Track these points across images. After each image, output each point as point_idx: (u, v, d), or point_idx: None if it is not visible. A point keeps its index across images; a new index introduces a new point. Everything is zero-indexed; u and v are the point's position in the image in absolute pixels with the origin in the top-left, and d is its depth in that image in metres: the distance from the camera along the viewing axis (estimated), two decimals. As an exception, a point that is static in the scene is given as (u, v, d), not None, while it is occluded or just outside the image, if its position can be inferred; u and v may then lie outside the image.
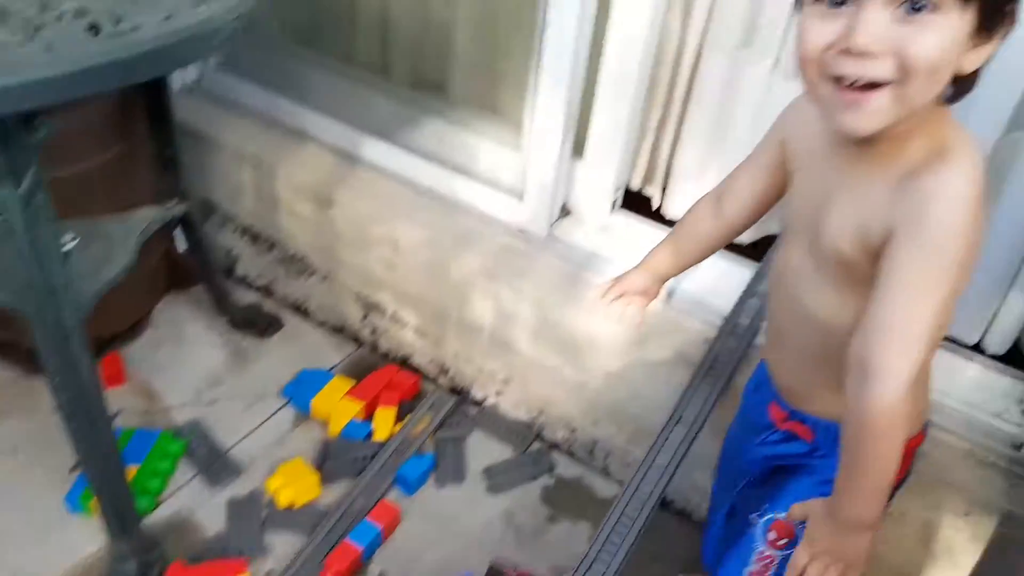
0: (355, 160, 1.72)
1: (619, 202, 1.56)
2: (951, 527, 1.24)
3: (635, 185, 1.61)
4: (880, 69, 0.66)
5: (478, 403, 1.69)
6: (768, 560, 0.96)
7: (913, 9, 0.64)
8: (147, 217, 1.44)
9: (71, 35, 0.92)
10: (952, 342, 1.33)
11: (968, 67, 0.69)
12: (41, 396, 1.56)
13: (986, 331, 1.34)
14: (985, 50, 0.69)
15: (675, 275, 1.11)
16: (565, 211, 1.57)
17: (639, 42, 1.34)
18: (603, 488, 1.54)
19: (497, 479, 1.52)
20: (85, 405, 1.15)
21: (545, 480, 1.55)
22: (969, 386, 1.29)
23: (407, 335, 1.73)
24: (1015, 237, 1.24)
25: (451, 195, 1.63)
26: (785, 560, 0.92)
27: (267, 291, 1.92)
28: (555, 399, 1.57)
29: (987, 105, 1.14)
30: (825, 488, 0.84)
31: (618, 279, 1.09)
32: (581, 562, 1.07)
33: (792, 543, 0.93)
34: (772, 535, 0.95)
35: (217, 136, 1.77)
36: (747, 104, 1.40)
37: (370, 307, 1.75)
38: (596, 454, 1.57)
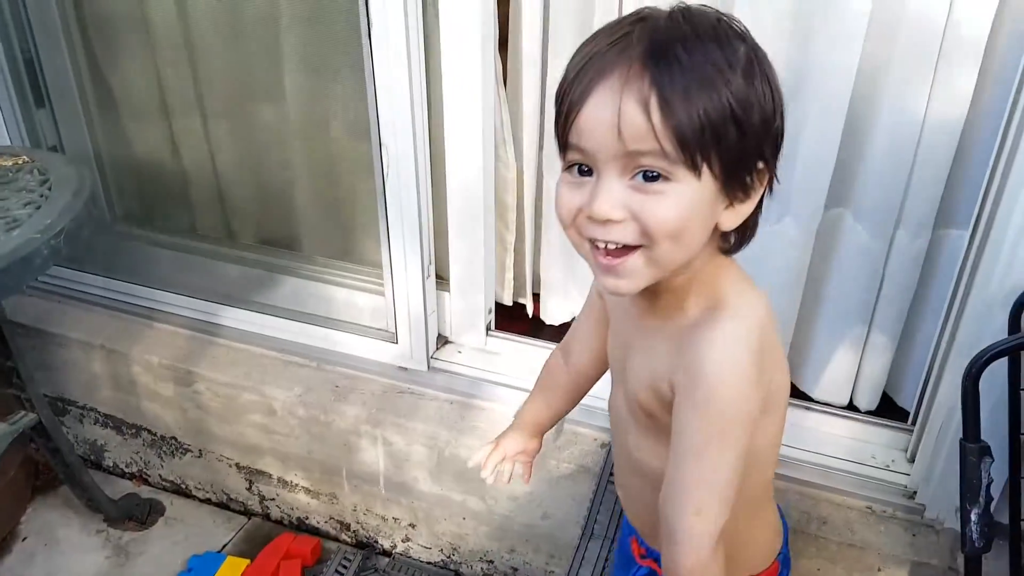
0: (213, 331, 1.66)
1: (493, 323, 1.56)
2: (869, 586, 1.27)
3: (507, 300, 1.63)
4: (622, 234, 0.67)
5: (387, 553, 1.62)
6: None
7: (646, 179, 0.65)
8: (-5, 433, 1.33)
9: None
10: (827, 405, 1.39)
11: (728, 224, 0.70)
12: None
13: (853, 390, 1.41)
14: (745, 207, 0.70)
15: (551, 426, 1.06)
16: (443, 340, 1.57)
17: (478, 175, 1.37)
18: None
19: (420, 634, 1.44)
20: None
21: (471, 622, 1.49)
22: (852, 445, 1.34)
23: (299, 497, 1.65)
24: (851, 302, 1.33)
25: (321, 348, 1.59)
26: None
27: (142, 478, 1.80)
28: (466, 534, 1.53)
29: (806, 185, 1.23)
30: None
31: (496, 443, 1.04)
32: None
33: None
34: None
35: (62, 331, 1.69)
36: None
37: (254, 475, 1.66)
38: (517, 582, 1.53)
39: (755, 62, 0.66)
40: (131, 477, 1.81)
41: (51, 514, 1.69)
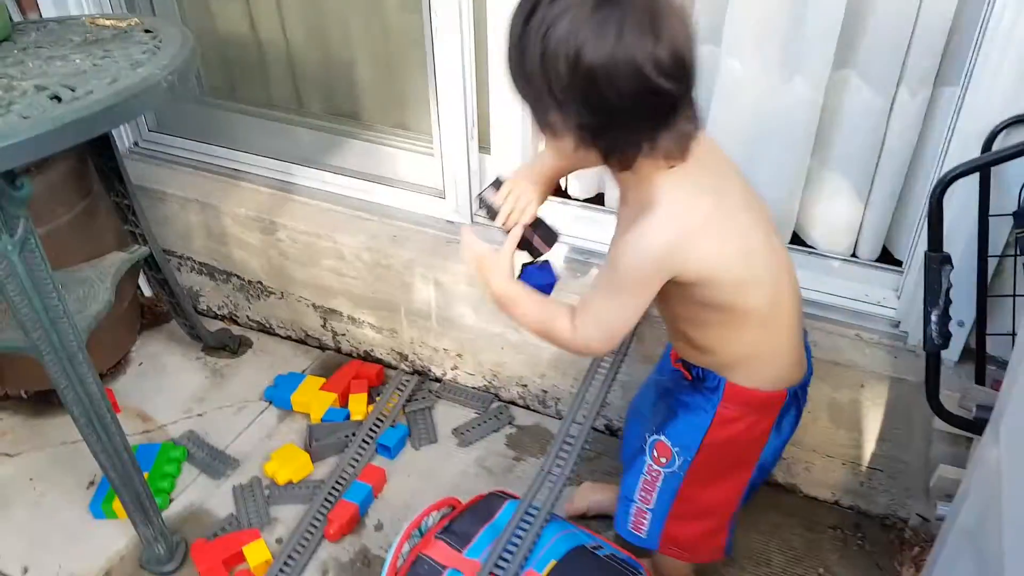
0: (290, 188, 1.92)
1: (527, 182, 1.78)
2: (853, 399, 1.46)
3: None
4: None
5: (439, 379, 1.90)
6: (655, 473, 1.16)
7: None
8: (117, 260, 1.63)
9: (39, 105, 1.12)
10: (834, 256, 1.55)
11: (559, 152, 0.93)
12: (46, 434, 1.76)
13: (856, 242, 1.55)
14: (562, 143, 0.90)
15: (552, 179, 1.19)
16: (483, 198, 1.80)
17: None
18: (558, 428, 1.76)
19: (466, 435, 1.73)
20: (98, 415, 1.33)
21: (508, 430, 1.76)
22: (848, 286, 1.52)
23: (365, 332, 1.93)
24: (856, 159, 1.45)
25: (380, 203, 1.85)
26: (669, 476, 1.14)
27: (232, 319, 2.10)
28: (504, 362, 1.79)
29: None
30: (698, 419, 1.09)
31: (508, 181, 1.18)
32: (536, 477, 1.30)
33: (670, 463, 1.13)
34: (655, 453, 1.15)
35: (162, 188, 1.96)
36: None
37: (327, 314, 1.95)
38: (548, 402, 1.79)
39: (531, 24, 0.83)
40: (223, 319, 2.12)
41: (156, 346, 2.01)
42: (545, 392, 1.79)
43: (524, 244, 1.12)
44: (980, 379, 1.36)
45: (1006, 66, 1.17)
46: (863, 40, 1.34)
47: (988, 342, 1.33)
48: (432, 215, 1.80)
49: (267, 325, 2.07)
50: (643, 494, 1.18)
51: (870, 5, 1.31)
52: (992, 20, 1.17)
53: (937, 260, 1.17)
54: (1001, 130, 1.20)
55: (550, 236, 1.13)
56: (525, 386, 1.80)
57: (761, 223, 1.02)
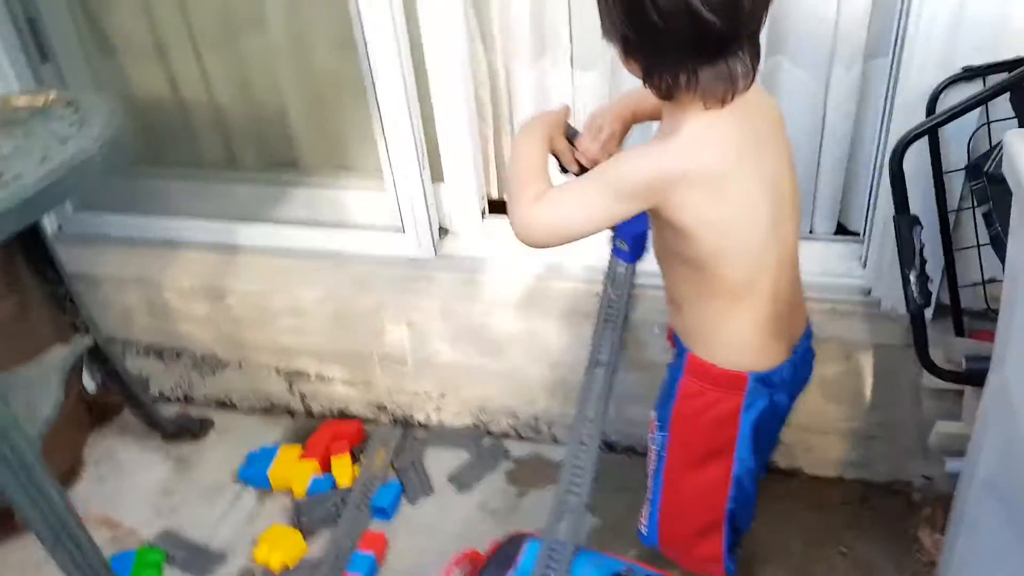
0: (235, 249, 1.81)
1: (486, 209, 1.72)
2: (839, 372, 1.46)
3: (494, 194, 1.78)
4: None
5: (423, 425, 1.81)
6: (652, 456, 1.20)
7: None
8: (60, 355, 1.49)
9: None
10: None
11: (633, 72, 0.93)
12: (3, 560, 1.57)
13: (812, 219, 1.56)
14: (630, 65, 0.92)
15: (635, 117, 1.19)
16: (444, 231, 1.73)
17: (456, 69, 1.52)
18: (557, 453, 1.68)
19: (462, 480, 1.64)
20: (67, 530, 1.20)
21: (505, 465, 1.68)
22: (813, 262, 1.49)
23: (336, 389, 1.82)
24: (808, 142, 1.48)
25: (335, 249, 1.75)
26: (658, 455, 1.18)
27: (187, 400, 1.97)
28: (490, 395, 1.71)
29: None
30: (670, 390, 1.12)
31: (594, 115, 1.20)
32: (552, 512, 1.22)
33: (655, 440, 1.18)
34: (649, 432, 1.19)
35: (94, 271, 1.82)
36: (558, 100, 1.57)
37: (292, 376, 1.84)
38: (541, 428, 1.72)
39: None
40: (178, 401, 1.98)
41: (110, 442, 1.85)
42: (537, 418, 1.71)
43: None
44: (959, 331, 1.37)
45: (935, 31, 1.20)
46: (790, 25, 1.38)
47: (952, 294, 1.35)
48: (392, 253, 1.72)
49: (227, 400, 1.94)
50: (649, 482, 1.21)
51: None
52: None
53: (907, 221, 1.19)
54: (941, 91, 1.22)
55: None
56: (516, 415, 1.73)
57: (778, 207, 1.00)
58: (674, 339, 1.14)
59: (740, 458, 1.13)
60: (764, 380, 1.08)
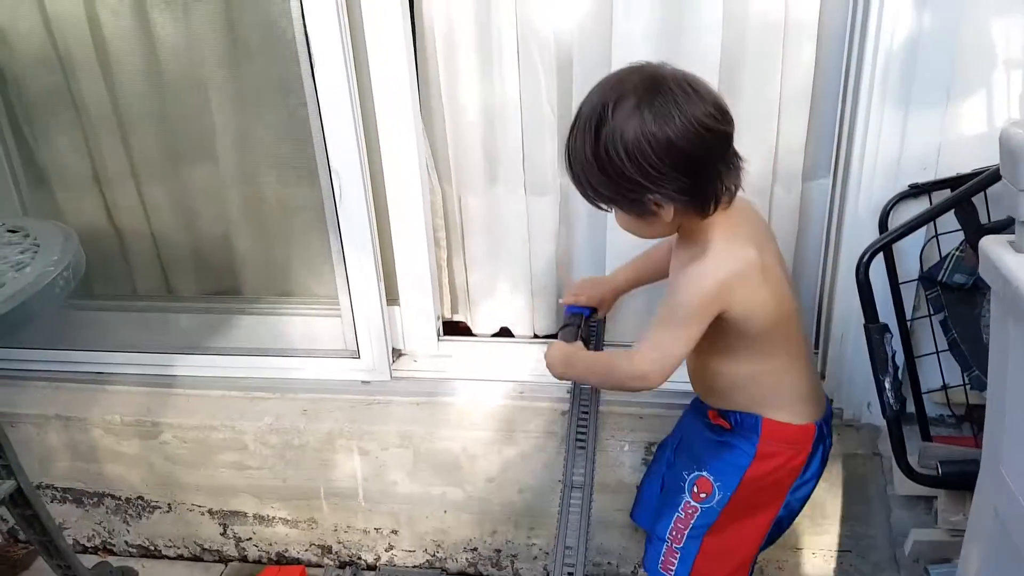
0: (172, 382, 1.71)
1: (441, 330, 1.70)
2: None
3: (447, 315, 1.77)
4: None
5: (371, 567, 1.69)
6: (692, 509, 1.23)
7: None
8: (-25, 500, 1.33)
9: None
10: None
11: (668, 219, 1.05)
12: None
13: None
14: (664, 212, 1.04)
15: (629, 289, 1.39)
16: (397, 353, 1.69)
17: (416, 198, 1.54)
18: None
19: (421, 625, 1.52)
20: None
21: (465, 609, 1.57)
22: None
23: (277, 530, 1.69)
24: None
25: (282, 377, 1.68)
26: (706, 511, 1.22)
27: (107, 549, 1.78)
28: (447, 527, 1.62)
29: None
30: (740, 456, 1.19)
31: (582, 282, 1.40)
32: None
33: (710, 498, 1.21)
34: (695, 489, 1.23)
35: (11, 411, 1.68)
36: (511, 226, 1.63)
37: (227, 518, 1.70)
38: (503, 563, 1.63)
39: (602, 140, 0.99)
40: (95, 551, 1.79)
41: (15, 602, 1.66)
42: (499, 552, 1.63)
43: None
44: (925, 437, 1.40)
45: (882, 151, 1.30)
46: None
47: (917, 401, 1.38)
48: (344, 378, 1.66)
49: (152, 547, 1.76)
50: (675, 533, 1.24)
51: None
52: (858, 125, 1.31)
53: (878, 330, 1.24)
54: (891, 208, 1.31)
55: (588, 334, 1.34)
56: (475, 550, 1.64)
57: (784, 275, 1.16)
58: (728, 415, 1.21)
59: (786, 503, 1.23)
60: (824, 424, 1.21)
